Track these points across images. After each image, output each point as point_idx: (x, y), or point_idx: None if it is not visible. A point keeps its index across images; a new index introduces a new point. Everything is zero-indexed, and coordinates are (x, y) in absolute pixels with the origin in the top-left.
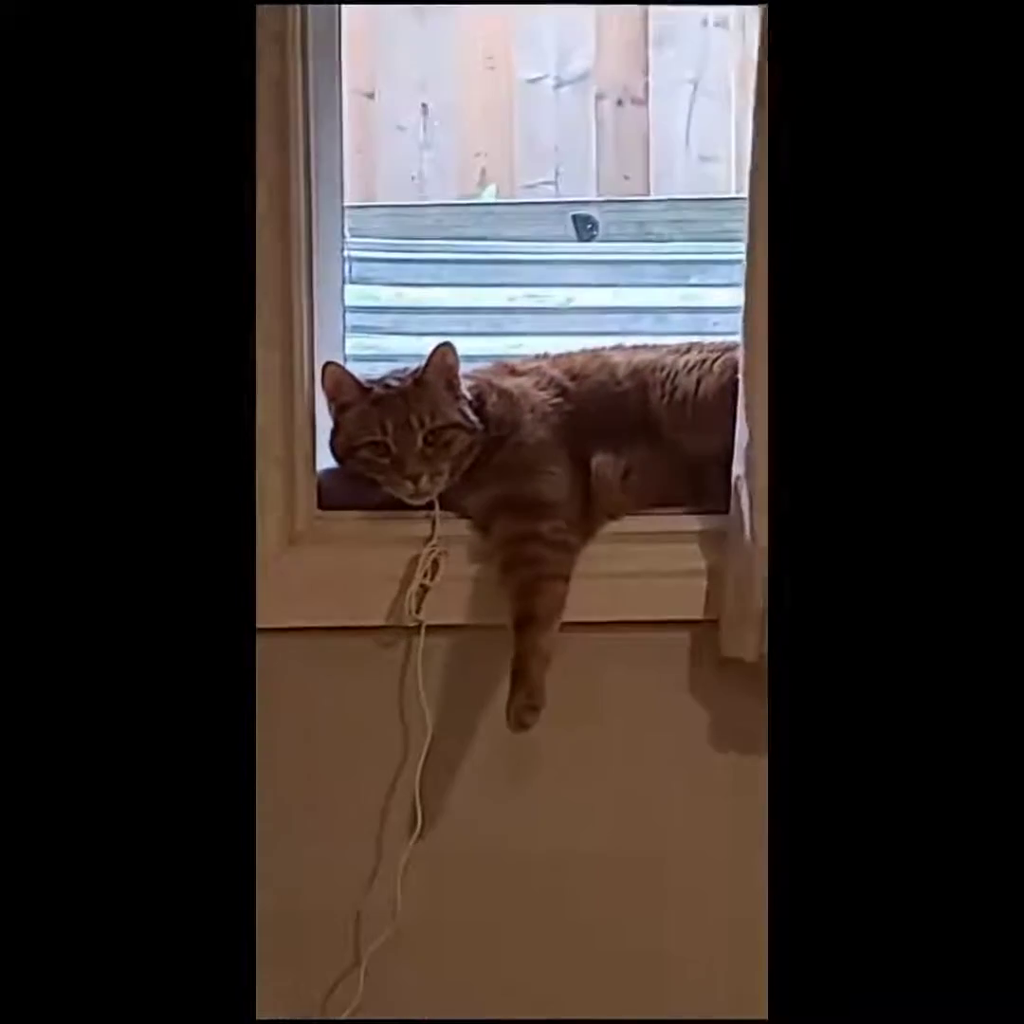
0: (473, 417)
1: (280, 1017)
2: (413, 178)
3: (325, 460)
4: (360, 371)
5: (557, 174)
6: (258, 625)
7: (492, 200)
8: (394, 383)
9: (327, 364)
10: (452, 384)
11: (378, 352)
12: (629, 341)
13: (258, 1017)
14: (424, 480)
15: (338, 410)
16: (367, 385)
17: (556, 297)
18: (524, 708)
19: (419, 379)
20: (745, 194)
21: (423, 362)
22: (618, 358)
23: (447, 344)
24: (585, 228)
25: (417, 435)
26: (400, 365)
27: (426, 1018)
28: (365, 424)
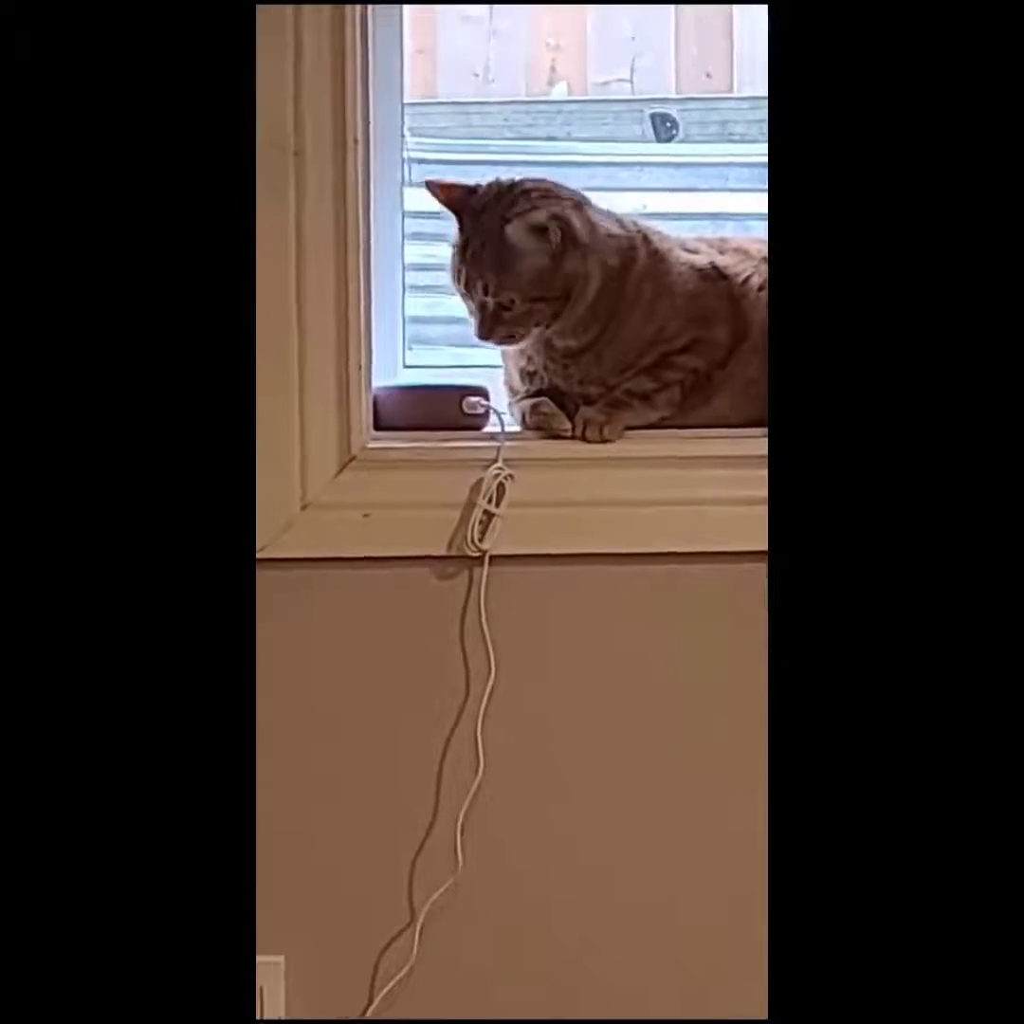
0: None
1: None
2: (477, 74)
3: (379, 378)
4: (421, 281)
5: (633, 70)
6: (310, 555)
7: (564, 98)
8: None
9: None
10: None
11: (440, 260)
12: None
13: (304, 979)
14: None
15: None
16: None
17: (631, 202)
18: (591, 419)
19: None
20: None
21: None
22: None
23: None
24: (664, 128)
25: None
26: None
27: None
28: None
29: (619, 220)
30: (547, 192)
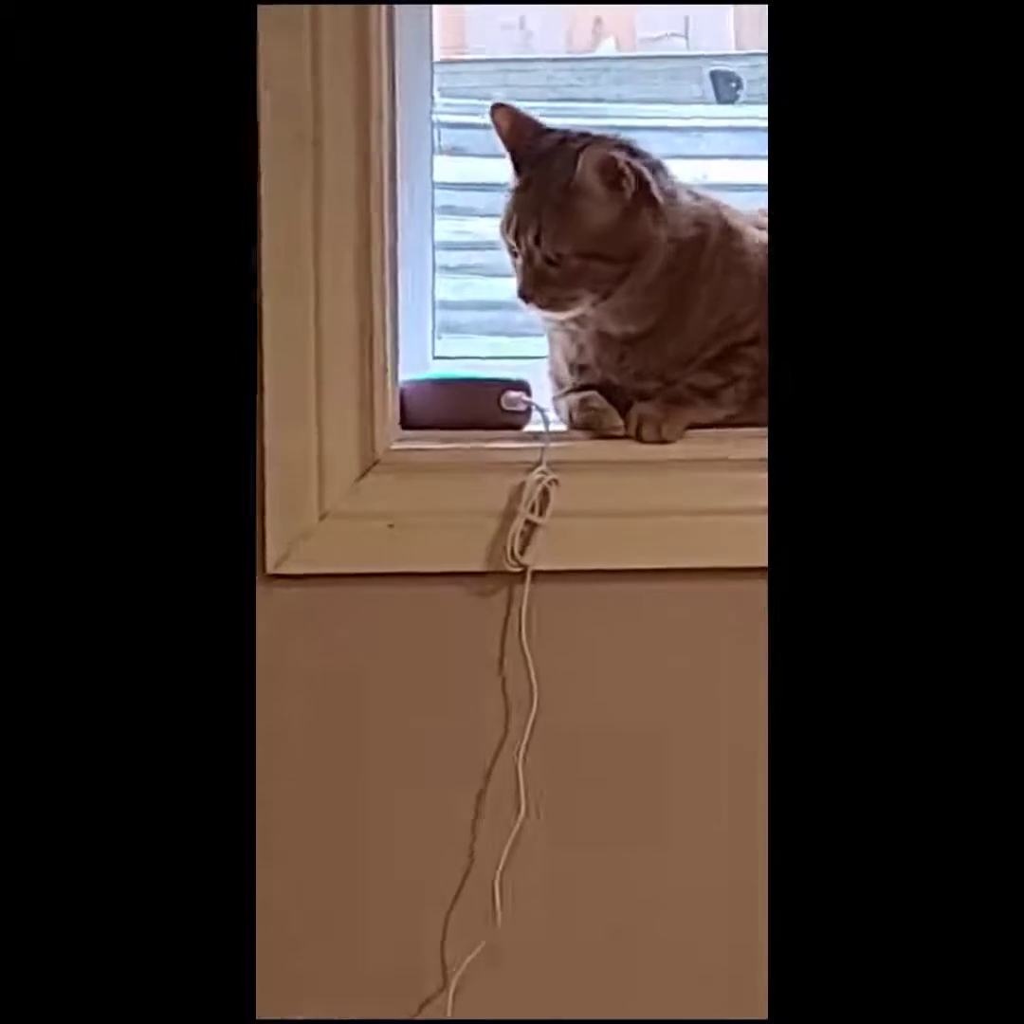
0: None
1: None
2: (508, 27)
3: (406, 370)
4: (451, 261)
5: (687, 24)
6: (329, 570)
7: (611, 54)
8: None
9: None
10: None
11: (474, 238)
12: None
13: None
14: None
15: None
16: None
17: (690, 170)
18: (648, 416)
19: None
20: None
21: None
22: None
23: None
24: (727, 87)
25: None
26: None
27: None
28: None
29: (690, 190)
30: (626, 144)
